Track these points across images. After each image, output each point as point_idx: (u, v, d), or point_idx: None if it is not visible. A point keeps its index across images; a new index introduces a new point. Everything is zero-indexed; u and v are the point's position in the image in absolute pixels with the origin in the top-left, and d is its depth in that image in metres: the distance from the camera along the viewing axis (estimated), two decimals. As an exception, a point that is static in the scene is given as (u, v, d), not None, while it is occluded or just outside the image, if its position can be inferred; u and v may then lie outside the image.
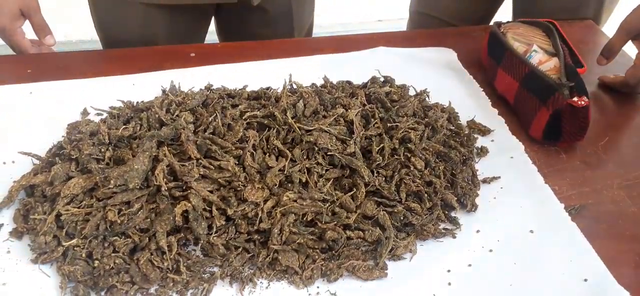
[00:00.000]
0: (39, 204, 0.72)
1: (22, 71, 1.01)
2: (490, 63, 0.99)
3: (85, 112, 0.93)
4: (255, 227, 0.67)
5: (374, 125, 0.77)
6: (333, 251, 0.68)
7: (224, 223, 0.68)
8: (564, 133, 0.85)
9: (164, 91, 0.88)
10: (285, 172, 0.71)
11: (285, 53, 1.08)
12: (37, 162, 0.80)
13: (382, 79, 0.93)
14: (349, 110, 0.77)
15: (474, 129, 0.91)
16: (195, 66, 1.03)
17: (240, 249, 0.67)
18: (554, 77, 0.86)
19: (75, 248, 0.66)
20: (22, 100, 0.95)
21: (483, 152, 0.86)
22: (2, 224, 0.74)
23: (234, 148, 0.73)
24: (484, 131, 0.91)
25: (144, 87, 0.96)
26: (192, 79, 0.94)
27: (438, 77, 1.02)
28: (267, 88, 0.88)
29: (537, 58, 0.91)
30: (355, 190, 0.71)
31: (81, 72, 1.01)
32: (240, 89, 0.89)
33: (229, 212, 0.67)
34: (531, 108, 0.88)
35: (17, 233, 0.71)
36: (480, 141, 0.89)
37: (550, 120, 0.84)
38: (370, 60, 1.06)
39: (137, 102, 0.88)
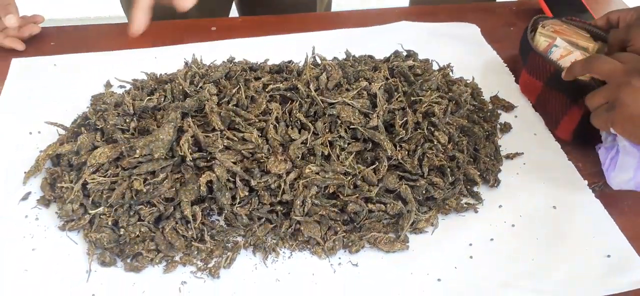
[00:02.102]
0: (65, 173, 0.73)
1: (46, 43, 1.02)
2: (519, 60, 0.96)
3: (108, 84, 0.93)
4: (278, 198, 0.67)
5: (397, 99, 0.76)
6: (355, 224, 0.68)
7: (247, 194, 0.67)
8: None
9: (186, 63, 0.88)
10: (307, 145, 0.70)
11: (306, 27, 1.06)
12: (62, 132, 0.80)
13: (405, 53, 0.92)
14: (372, 84, 0.76)
15: (497, 105, 0.90)
16: (216, 40, 1.03)
17: (263, 219, 0.68)
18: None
19: (101, 216, 0.66)
20: (46, 72, 0.96)
21: (506, 127, 0.86)
22: (30, 192, 0.74)
23: (257, 121, 0.72)
24: (508, 107, 0.90)
25: (166, 60, 0.96)
26: (214, 53, 0.93)
27: (461, 53, 1.00)
28: (289, 62, 0.87)
29: (558, 53, 0.87)
30: (377, 163, 0.71)
31: (104, 45, 1.01)
32: (262, 63, 0.89)
33: (252, 183, 0.67)
34: (559, 108, 0.83)
35: (44, 201, 0.72)
36: (504, 117, 0.88)
37: (584, 119, 0.78)
38: (392, 34, 1.04)
39: (161, 74, 0.89)
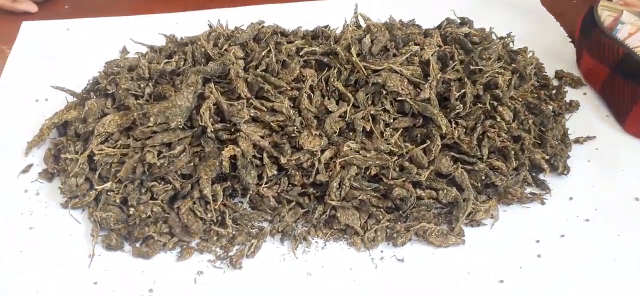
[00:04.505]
0: (71, 143, 0.68)
1: (60, 6, 1.00)
2: (579, 41, 0.87)
3: (124, 50, 0.89)
4: (311, 179, 0.64)
5: (453, 68, 0.70)
6: (400, 212, 0.64)
7: (275, 173, 0.64)
8: None
9: (210, 26, 0.81)
10: (346, 118, 0.66)
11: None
12: (72, 99, 0.76)
13: (458, 21, 0.84)
14: (425, 49, 0.70)
15: (564, 80, 0.83)
16: (242, 5, 0.99)
17: (293, 203, 0.64)
18: None
19: (108, 193, 0.63)
20: (58, 36, 0.94)
21: (574, 106, 0.79)
22: (32, 164, 0.70)
23: (289, 89, 0.68)
24: (576, 82, 0.83)
25: (188, 25, 0.91)
26: (240, 19, 0.87)
27: (519, 24, 0.93)
28: (325, 27, 0.80)
29: (625, 30, 0.78)
30: (428, 142, 0.66)
31: (121, 9, 0.99)
32: (294, 29, 0.83)
33: (282, 160, 0.63)
34: (628, 98, 0.75)
35: (47, 175, 0.69)
36: (571, 94, 0.81)
37: None
38: (441, 2, 0.96)
39: (181, 38, 0.83)
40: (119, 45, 0.89)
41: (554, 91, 0.78)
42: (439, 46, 0.73)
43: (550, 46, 0.91)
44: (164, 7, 0.98)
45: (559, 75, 0.84)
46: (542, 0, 1.02)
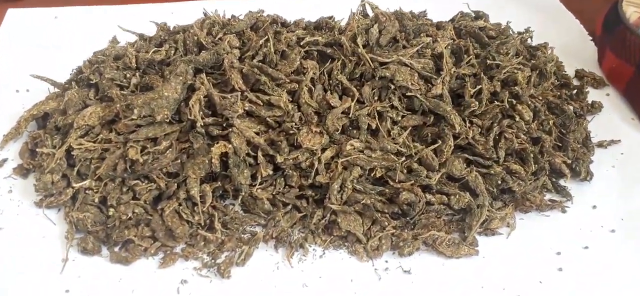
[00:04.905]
0: (48, 137, 0.65)
1: None
2: (602, 38, 0.85)
3: (114, 40, 0.86)
4: (310, 181, 0.62)
5: (468, 63, 0.68)
6: (407, 218, 0.62)
7: (271, 173, 0.62)
8: None
9: (205, 14, 0.78)
10: (350, 115, 0.64)
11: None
12: (55, 90, 0.73)
13: (472, 15, 0.81)
14: (438, 41, 0.68)
15: (585, 79, 0.80)
16: None
17: (289, 207, 0.63)
18: None
19: (87, 192, 0.61)
20: (45, 24, 0.92)
21: (596, 108, 0.77)
22: (7, 159, 0.67)
23: (287, 81, 0.66)
24: (598, 82, 0.80)
25: (184, 15, 0.88)
26: (240, 9, 0.84)
27: (535, 20, 0.90)
28: (329, 18, 0.78)
29: None
30: (440, 142, 0.64)
31: None
32: (297, 20, 0.80)
33: (278, 159, 0.61)
34: None
35: (22, 170, 0.67)
36: (593, 95, 0.79)
37: None
38: None
39: (174, 26, 0.80)
40: (110, 35, 0.87)
41: (574, 91, 0.77)
42: (453, 39, 0.70)
43: (569, 44, 0.89)
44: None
45: (580, 74, 0.81)
46: (561, -3, 1.01)
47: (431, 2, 0.90)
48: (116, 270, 0.56)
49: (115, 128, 0.62)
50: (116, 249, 0.58)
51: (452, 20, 0.79)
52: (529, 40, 0.78)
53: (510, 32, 0.78)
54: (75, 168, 0.61)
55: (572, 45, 0.88)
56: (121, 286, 0.55)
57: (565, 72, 0.80)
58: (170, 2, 0.95)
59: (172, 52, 0.69)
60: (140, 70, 0.68)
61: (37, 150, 0.64)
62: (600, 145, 0.71)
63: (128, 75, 0.66)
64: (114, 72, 0.66)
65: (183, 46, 0.70)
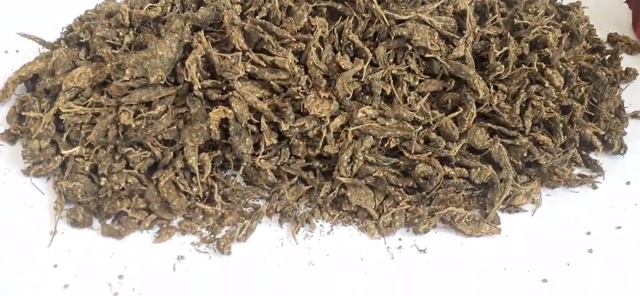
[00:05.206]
0: (36, 100, 0.64)
1: None
2: (637, 0, 0.82)
3: None
4: (317, 151, 0.61)
5: (493, 22, 0.65)
6: (424, 193, 0.60)
7: (275, 142, 0.60)
8: None
9: None
10: (362, 79, 0.62)
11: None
12: (45, 50, 0.71)
13: None
14: None
15: (618, 44, 0.76)
16: None
17: (295, 179, 0.61)
18: None
19: (77, 159, 0.59)
20: None
21: (630, 75, 0.74)
22: None
23: (293, 40, 0.63)
24: (633, 47, 0.77)
25: None
26: None
27: None
28: None
29: None
30: (461, 110, 0.62)
31: None
32: None
33: (283, 127, 0.60)
34: None
35: (9, 136, 0.66)
36: (627, 61, 0.76)
37: None
38: None
39: None
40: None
41: (607, 57, 0.75)
42: (477, -3, 0.68)
43: (601, 6, 0.85)
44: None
45: (613, 39, 0.79)
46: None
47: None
48: (108, 244, 0.55)
49: (107, 91, 0.61)
50: (108, 222, 0.57)
51: (475, -23, 0.75)
52: (560, -1, 0.75)
53: (538, -9, 0.74)
54: (65, 134, 0.60)
55: (604, 8, 0.85)
56: (113, 261, 0.54)
57: (596, 36, 0.76)
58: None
59: (169, 8, 0.66)
60: (134, 28, 0.65)
61: (24, 113, 0.62)
62: (635, 115, 0.69)
63: (121, 34, 0.64)
64: (105, 29, 0.64)
65: (180, 1, 0.67)
